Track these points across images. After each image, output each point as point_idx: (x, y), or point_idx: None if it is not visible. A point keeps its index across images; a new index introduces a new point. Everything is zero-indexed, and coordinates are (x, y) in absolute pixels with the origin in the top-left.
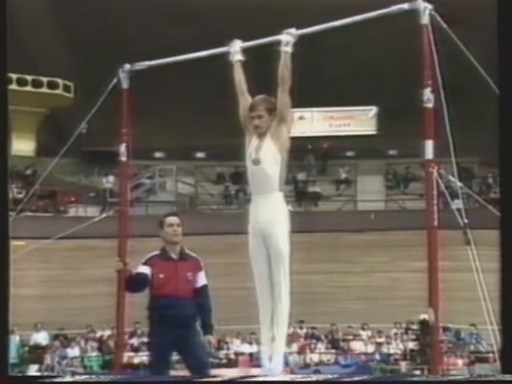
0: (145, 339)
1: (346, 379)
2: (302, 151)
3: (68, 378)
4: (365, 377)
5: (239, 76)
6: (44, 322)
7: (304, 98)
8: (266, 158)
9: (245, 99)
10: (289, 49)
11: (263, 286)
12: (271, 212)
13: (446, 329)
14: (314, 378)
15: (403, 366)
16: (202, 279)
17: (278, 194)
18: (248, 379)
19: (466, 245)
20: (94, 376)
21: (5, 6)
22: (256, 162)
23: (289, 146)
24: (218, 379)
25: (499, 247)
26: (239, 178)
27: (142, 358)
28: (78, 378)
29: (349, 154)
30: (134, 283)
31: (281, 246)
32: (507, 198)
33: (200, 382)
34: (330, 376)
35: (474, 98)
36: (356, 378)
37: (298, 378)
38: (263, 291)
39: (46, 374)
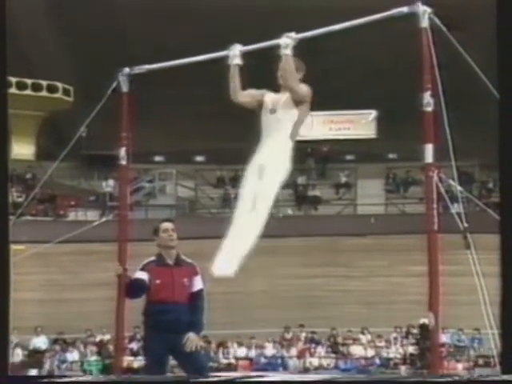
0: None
1: (346, 379)
2: (301, 155)
3: (68, 379)
4: (364, 377)
5: (234, 79)
6: (43, 326)
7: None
8: (283, 110)
9: (243, 95)
10: (288, 51)
11: (242, 215)
12: (275, 152)
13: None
14: (314, 378)
15: (403, 370)
16: (198, 284)
17: (288, 140)
18: (248, 379)
19: (466, 249)
20: (93, 377)
21: (4, 12)
22: (273, 111)
23: (308, 110)
24: (217, 379)
25: (499, 251)
26: (239, 181)
27: (142, 362)
28: (77, 378)
29: (349, 157)
30: (132, 289)
31: (270, 185)
32: (507, 202)
33: (200, 382)
34: (329, 376)
35: (474, 102)
36: (356, 378)
37: (298, 378)
38: (241, 218)
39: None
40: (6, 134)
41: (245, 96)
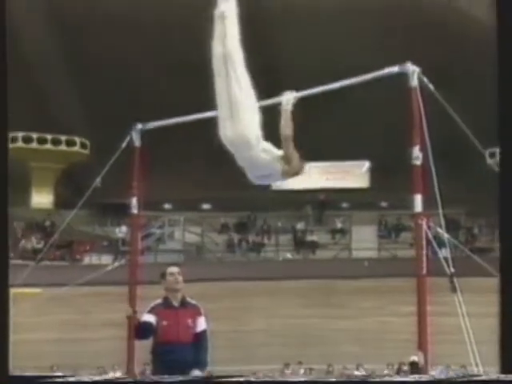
0: None
1: (346, 380)
2: (300, 203)
3: (68, 379)
4: (364, 378)
5: None
6: (59, 364)
7: (303, 153)
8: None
9: None
10: (289, 107)
11: None
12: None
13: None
14: (314, 379)
15: None
16: (201, 324)
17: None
18: (248, 379)
19: (452, 292)
20: (94, 377)
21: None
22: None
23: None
24: (218, 380)
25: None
26: (242, 227)
27: None
28: (78, 378)
29: (344, 205)
30: (140, 332)
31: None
32: (506, 243)
33: (200, 382)
34: (329, 379)
35: (460, 155)
36: (357, 379)
37: (298, 378)
38: None
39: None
40: (6, 180)
41: None
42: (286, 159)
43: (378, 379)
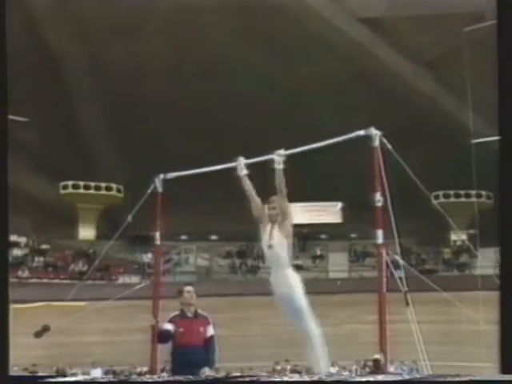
0: None
1: (347, 379)
2: None
3: (68, 378)
4: (364, 377)
5: (247, 186)
6: (99, 360)
7: (290, 196)
8: (276, 244)
9: (256, 201)
10: (281, 166)
11: (298, 330)
12: (288, 284)
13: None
14: (313, 378)
15: None
16: (210, 331)
17: (289, 268)
18: (248, 379)
19: (405, 306)
20: (94, 377)
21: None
22: (270, 246)
23: (292, 234)
24: (218, 379)
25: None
26: (242, 254)
27: None
28: (78, 378)
29: (322, 236)
30: (162, 337)
31: (301, 303)
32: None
33: (200, 382)
34: (329, 377)
35: (411, 198)
36: (357, 379)
37: (297, 378)
38: (300, 333)
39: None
40: (7, 208)
41: (256, 202)
42: (280, 212)
43: (378, 379)
